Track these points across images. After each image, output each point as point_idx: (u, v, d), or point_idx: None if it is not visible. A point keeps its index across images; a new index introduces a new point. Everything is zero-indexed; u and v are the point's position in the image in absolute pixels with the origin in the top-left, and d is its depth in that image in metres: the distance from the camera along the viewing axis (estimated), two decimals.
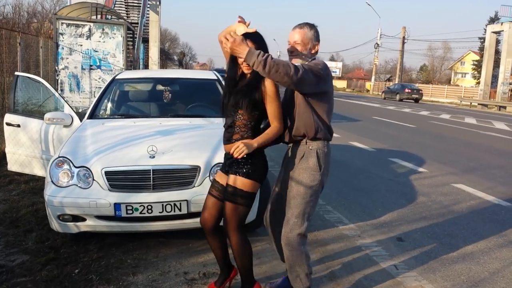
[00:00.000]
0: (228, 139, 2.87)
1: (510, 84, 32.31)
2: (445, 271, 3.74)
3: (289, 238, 2.86)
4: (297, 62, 2.78)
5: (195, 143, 4.01)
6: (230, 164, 2.87)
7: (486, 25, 40.05)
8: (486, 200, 5.99)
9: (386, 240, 4.38)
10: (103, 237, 4.04)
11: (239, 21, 2.70)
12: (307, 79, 2.62)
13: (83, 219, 3.59)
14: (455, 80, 69.61)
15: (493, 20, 47.85)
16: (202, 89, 5.54)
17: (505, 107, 30.69)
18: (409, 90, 37.45)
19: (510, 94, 32.17)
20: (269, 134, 2.79)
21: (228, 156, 2.89)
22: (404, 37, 45.85)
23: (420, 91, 38.34)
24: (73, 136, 4.23)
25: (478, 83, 46.27)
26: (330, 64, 72.31)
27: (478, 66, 54.61)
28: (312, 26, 2.88)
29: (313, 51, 2.89)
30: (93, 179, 3.60)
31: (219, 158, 3.71)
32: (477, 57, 57.81)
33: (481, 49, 51.85)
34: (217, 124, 4.56)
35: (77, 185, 3.62)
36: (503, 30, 32.91)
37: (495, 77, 37.30)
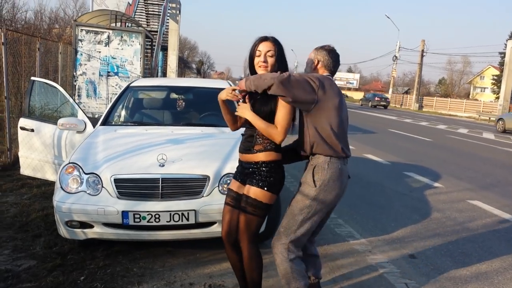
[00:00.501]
0: (247, 149, 2.82)
1: None
2: None
3: (275, 245, 2.88)
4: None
5: (205, 153, 3.98)
6: (248, 174, 2.82)
7: (506, 40, 39.57)
8: (502, 218, 5.84)
9: (398, 257, 4.28)
10: (110, 244, 4.03)
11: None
12: (293, 82, 2.60)
13: (91, 226, 3.58)
14: (474, 94, 68.79)
15: None
16: (216, 98, 5.50)
17: None
18: (379, 98, 44.88)
19: None
20: (264, 124, 2.70)
21: (245, 165, 2.85)
22: (423, 50, 45.48)
23: (388, 99, 45.34)
24: (84, 142, 4.23)
25: (498, 98, 45.63)
26: (347, 76, 72.26)
27: (497, 81, 53.91)
28: (327, 50, 2.96)
29: (316, 70, 2.97)
30: (102, 186, 3.59)
31: (229, 168, 3.68)
32: (497, 72, 57.05)
33: (501, 64, 51.17)
34: (229, 134, 4.53)
35: (86, 192, 3.61)
36: None
37: None
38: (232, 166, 3.72)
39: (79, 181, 3.66)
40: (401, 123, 23.49)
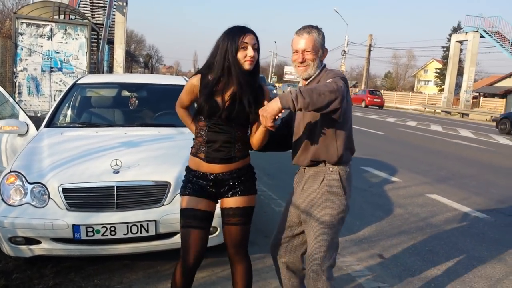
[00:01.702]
0: (227, 157, 2.44)
1: (472, 92, 33.19)
2: None
3: (318, 274, 2.46)
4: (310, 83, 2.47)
5: (164, 156, 3.66)
6: (228, 185, 2.47)
7: (449, 35, 41.16)
8: (462, 212, 5.87)
9: (368, 258, 4.15)
10: (60, 260, 3.62)
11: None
12: (343, 94, 2.21)
13: (38, 242, 3.19)
14: (418, 87, 71.17)
15: (456, 29, 49.11)
16: (172, 96, 5.15)
17: (467, 114, 31.48)
18: None
19: (472, 102, 33.06)
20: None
21: (223, 176, 2.46)
22: (370, 45, 46.47)
23: None
24: (27, 148, 3.81)
25: (441, 90, 47.50)
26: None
27: (440, 74, 56.04)
28: (319, 30, 2.53)
29: (323, 58, 2.55)
30: (49, 197, 3.21)
31: None
32: (440, 65, 59.28)
33: (444, 57, 53.27)
34: (189, 135, 4.18)
35: (30, 204, 3.22)
36: (467, 40, 33.81)
37: (457, 85, 38.27)
38: None
39: (23, 192, 3.26)
40: (352, 117, 23.81)
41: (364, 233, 4.84)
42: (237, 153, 2.46)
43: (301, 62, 2.48)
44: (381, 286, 3.57)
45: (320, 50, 2.49)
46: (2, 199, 3.26)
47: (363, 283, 3.60)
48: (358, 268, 3.89)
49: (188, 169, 2.54)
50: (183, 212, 2.47)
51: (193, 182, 2.49)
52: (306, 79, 2.54)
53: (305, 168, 2.58)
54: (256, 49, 2.37)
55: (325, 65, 2.58)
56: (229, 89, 2.38)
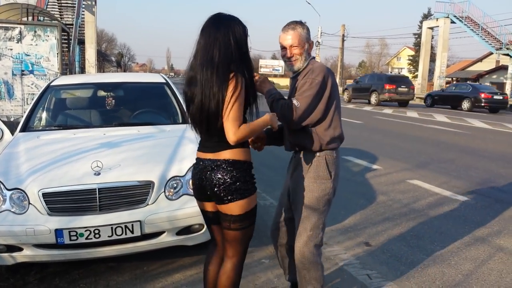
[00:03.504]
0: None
1: (446, 77, 33.72)
2: (419, 277, 3.57)
3: (304, 252, 2.65)
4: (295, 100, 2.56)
5: (146, 155, 3.60)
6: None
7: (420, 21, 41.64)
8: (443, 196, 5.95)
9: (354, 246, 4.17)
10: (44, 265, 3.54)
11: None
12: (308, 108, 2.52)
13: (20, 249, 3.11)
14: None
15: (426, 16, 49.72)
16: (150, 94, 5.10)
17: None
18: None
19: (446, 86, 33.56)
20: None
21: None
22: (343, 35, 46.71)
23: None
24: (3, 153, 3.70)
25: (414, 77, 48.03)
26: (272, 63, 72.86)
27: (413, 61, 56.83)
28: (303, 24, 2.67)
29: (310, 51, 2.70)
30: (29, 203, 3.12)
31: (175, 171, 3.35)
32: (412, 52, 60.09)
33: (416, 44, 53.99)
34: (170, 132, 4.18)
35: (10, 211, 3.12)
36: (438, 26, 34.27)
37: (430, 71, 38.83)
38: (178, 169, 3.39)
39: (1, 199, 3.16)
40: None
41: (350, 222, 4.86)
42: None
43: (290, 57, 2.64)
44: (369, 273, 3.58)
45: (306, 43, 2.65)
46: None
47: (352, 271, 3.61)
48: (345, 257, 3.90)
49: (250, 164, 2.38)
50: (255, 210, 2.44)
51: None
52: (295, 72, 2.70)
53: (295, 154, 2.77)
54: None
55: (313, 57, 2.74)
56: None
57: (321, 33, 46.63)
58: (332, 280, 3.45)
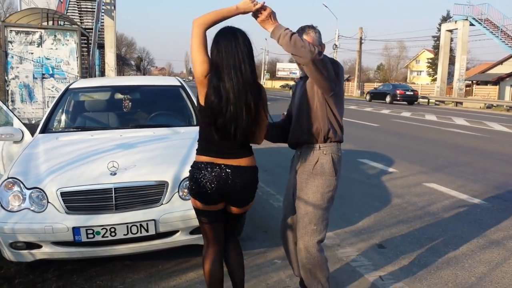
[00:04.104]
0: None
1: (465, 80, 33.33)
2: (431, 279, 3.56)
3: (308, 247, 2.72)
4: None
5: (160, 156, 3.68)
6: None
7: (439, 24, 41.23)
8: (460, 199, 5.91)
9: (367, 248, 4.18)
10: (62, 263, 3.64)
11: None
12: (327, 65, 2.52)
13: (39, 246, 3.20)
14: (411, 78, 71.38)
15: (445, 18, 49.18)
16: (165, 97, 5.19)
17: (461, 103, 31.57)
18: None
19: (465, 90, 33.20)
20: None
21: None
22: (361, 38, 46.48)
23: None
24: (23, 154, 3.81)
25: (433, 80, 47.59)
26: (290, 66, 72.90)
27: (432, 64, 56.19)
28: (314, 28, 2.77)
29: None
30: (48, 201, 3.22)
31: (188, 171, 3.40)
32: (431, 55, 59.43)
33: (435, 47, 53.34)
34: (184, 134, 4.25)
35: (29, 209, 3.23)
36: (457, 28, 33.93)
37: (449, 74, 38.41)
38: None
39: (21, 197, 3.26)
40: (347, 110, 23.77)
41: (363, 224, 4.86)
42: None
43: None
44: (381, 274, 3.59)
45: (318, 46, 2.69)
46: (1, 206, 3.26)
47: (363, 272, 3.63)
48: (358, 258, 3.92)
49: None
50: None
51: None
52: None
53: (300, 151, 2.82)
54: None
55: None
56: None
57: (338, 36, 46.56)
58: (344, 281, 3.47)
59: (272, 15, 2.45)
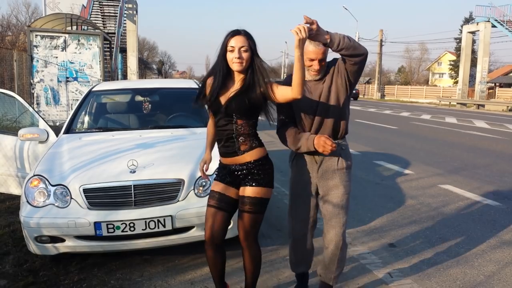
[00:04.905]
0: (231, 152, 2.69)
1: (487, 83, 32.84)
2: (440, 276, 3.64)
3: (342, 236, 2.93)
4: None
5: (177, 155, 3.84)
6: (239, 176, 2.71)
7: (461, 26, 40.72)
8: (474, 201, 5.94)
9: (378, 247, 4.27)
10: (84, 257, 3.85)
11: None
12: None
13: (62, 240, 3.40)
14: (433, 80, 70.55)
15: (468, 20, 48.62)
16: (183, 99, 5.37)
17: (483, 106, 31.16)
18: None
19: (488, 92, 32.75)
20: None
21: (235, 167, 2.72)
22: (381, 40, 46.28)
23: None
24: (48, 153, 4.02)
25: (456, 82, 47.01)
26: None
27: (454, 66, 55.45)
28: None
29: None
30: (71, 198, 3.41)
31: None
32: (454, 57, 58.69)
33: (457, 49, 52.66)
34: (200, 135, 4.41)
35: (54, 205, 3.43)
36: (478, 30, 33.49)
37: (471, 76, 37.91)
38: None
39: (46, 193, 3.46)
40: (366, 113, 23.81)
41: (376, 224, 4.95)
42: (241, 147, 2.66)
43: (317, 69, 2.81)
44: (391, 272, 3.69)
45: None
46: (27, 201, 3.47)
47: (374, 270, 3.72)
48: (368, 256, 4.02)
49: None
50: (209, 193, 2.83)
51: (218, 168, 2.87)
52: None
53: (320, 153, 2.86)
54: (247, 50, 2.56)
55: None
56: (229, 87, 2.64)
57: (358, 38, 46.31)
58: (353, 277, 3.58)
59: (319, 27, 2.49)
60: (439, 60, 70.76)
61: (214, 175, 2.88)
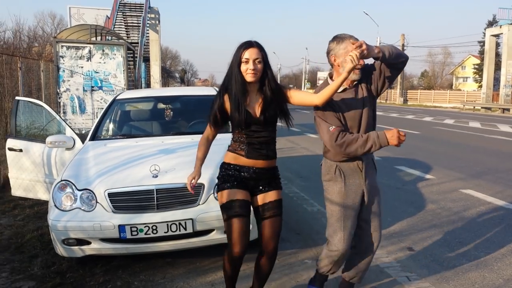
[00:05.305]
0: (266, 155, 2.79)
1: None
2: (458, 280, 3.66)
3: (380, 240, 3.10)
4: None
5: None
6: (264, 180, 2.82)
7: (485, 29, 40.14)
8: (496, 205, 5.90)
9: (397, 251, 4.29)
10: (109, 259, 3.99)
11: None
12: None
13: (88, 243, 3.55)
14: (456, 84, 69.49)
15: (491, 23, 47.77)
16: (203, 106, 5.48)
17: (508, 109, 30.56)
18: None
19: None
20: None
21: (263, 171, 2.80)
22: (403, 44, 45.88)
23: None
24: (75, 159, 4.19)
25: (480, 86, 46.20)
26: None
27: (479, 69, 54.52)
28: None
29: None
30: (97, 202, 3.56)
31: None
32: (478, 61, 57.69)
33: (481, 52, 51.76)
34: (219, 140, 4.47)
35: (80, 208, 3.58)
36: (502, 33, 32.99)
37: (496, 80, 37.28)
38: None
39: (73, 198, 3.62)
40: (388, 118, 23.65)
41: (395, 228, 4.97)
42: (271, 152, 2.81)
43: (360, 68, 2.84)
44: (409, 275, 3.72)
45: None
46: (55, 205, 3.63)
47: (392, 273, 3.76)
48: (387, 260, 4.05)
49: (225, 164, 2.87)
50: (226, 205, 2.76)
51: (231, 175, 2.80)
52: (354, 81, 2.88)
53: (364, 157, 2.95)
54: (260, 62, 2.67)
55: None
56: (246, 98, 2.74)
57: (380, 43, 46.04)
58: (371, 280, 3.62)
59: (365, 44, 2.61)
60: (463, 64, 69.69)
61: (217, 187, 2.90)
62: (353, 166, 2.94)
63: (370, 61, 2.87)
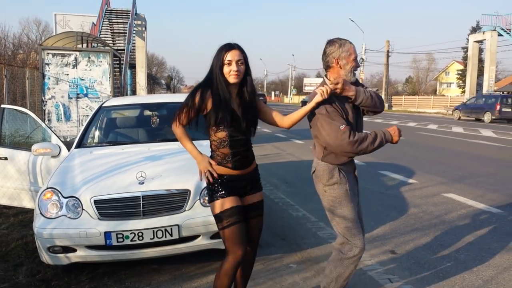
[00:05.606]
0: (247, 163, 2.85)
1: (494, 92, 32.74)
2: (439, 281, 3.75)
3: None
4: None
5: (184, 167, 3.99)
6: (248, 185, 2.87)
7: (468, 35, 40.79)
8: (477, 208, 6.03)
9: (380, 254, 4.38)
10: (95, 266, 4.00)
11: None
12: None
13: (74, 250, 3.56)
14: (440, 90, 70.42)
15: (475, 29, 48.56)
16: None
17: None
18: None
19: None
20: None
21: (245, 177, 2.85)
22: (388, 51, 46.40)
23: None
24: (61, 167, 4.21)
25: (464, 92, 46.85)
26: (317, 81, 73.12)
27: (462, 75, 55.33)
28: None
29: None
30: (83, 209, 3.58)
31: None
32: (461, 67, 58.56)
33: (465, 58, 52.52)
34: (206, 146, 4.50)
35: (66, 216, 3.59)
36: (485, 39, 33.57)
37: (479, 85, 37.87)
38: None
39: (59, 205, 3.64)
40: (373, 123, 23.84)
41: (378, 232, 5.06)
42: (251, 155, 2.90)
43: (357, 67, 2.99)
44: (391, 278, 3.80)
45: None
46: (41, 213, 3.64)
47: (374, 276, 3.84)
48: (369, 263, 4.13)
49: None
50: (224, 213, 2.73)
51: (221, 183, 2.78)
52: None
53: (351, 163, 3.07)
54: (242, 63, 2.73)
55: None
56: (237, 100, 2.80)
57: (365, 50, 46.58)
58: (354, 283, 3.68)
59: (345, 83, 2.78)
60: (446, 70, 70.70)
61: (209, 197, 2.88)
62: (351, 168, 3.07)
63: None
